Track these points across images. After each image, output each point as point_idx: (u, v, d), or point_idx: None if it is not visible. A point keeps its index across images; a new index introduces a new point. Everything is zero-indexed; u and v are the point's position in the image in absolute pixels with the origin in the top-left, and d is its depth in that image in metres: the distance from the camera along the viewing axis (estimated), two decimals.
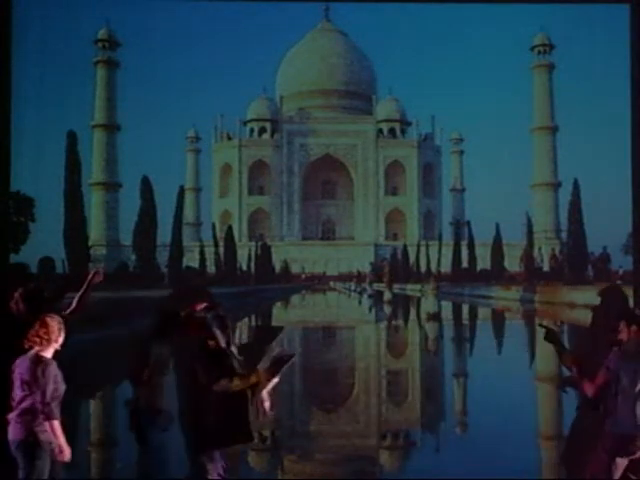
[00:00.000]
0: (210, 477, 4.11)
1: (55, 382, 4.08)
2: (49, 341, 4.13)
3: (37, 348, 4.11)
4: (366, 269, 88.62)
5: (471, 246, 72.03)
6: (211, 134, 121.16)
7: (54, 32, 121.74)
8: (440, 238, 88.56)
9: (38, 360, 4.08)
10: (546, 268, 66.79)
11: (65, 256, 38.23)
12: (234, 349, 4.18)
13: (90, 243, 42.93)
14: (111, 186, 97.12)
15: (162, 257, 50.15)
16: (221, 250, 65.80)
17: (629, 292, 6.66)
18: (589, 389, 4.39)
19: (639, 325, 4.37)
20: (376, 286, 61.27)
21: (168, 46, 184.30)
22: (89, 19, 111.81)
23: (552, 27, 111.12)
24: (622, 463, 4.31)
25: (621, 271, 48.73)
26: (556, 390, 11.88)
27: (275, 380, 4.20)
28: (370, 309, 38.24)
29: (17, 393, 4.07)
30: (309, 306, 45.30)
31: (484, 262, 72.77)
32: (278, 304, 44.57)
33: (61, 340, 4.20)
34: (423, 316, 28.33)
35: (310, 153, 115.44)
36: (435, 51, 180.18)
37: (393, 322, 29.25)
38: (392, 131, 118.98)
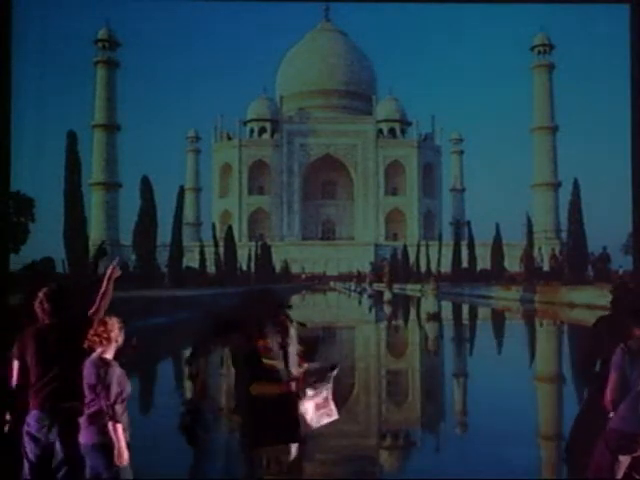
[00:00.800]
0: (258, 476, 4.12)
1: (119, 383, 4.06)
2: (109, 341, 4.11)
3: (99, 350, 4.10)
4: (366, 269, 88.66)
5: (471, 246, 72.03)
6: (211, 134, 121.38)
7: (54, 32, 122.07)
8: (440, 238, 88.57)
9: (100, 362, 4.06)
10: (546, 268, 66.78)
11: (65, 256, 38.23)
12: (292, 352, 4.14)
13: (90, 243, 42.93)
14: (111, 186, 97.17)
15: (162, 257, 50.15)
16: (221, 250, 65.80)
17: None
18: (607, 394, 4.38)
19: None
20: (376, 286, 61.28)
21: (168, 46, 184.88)
22: (89, 19, 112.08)
23: (552, 27, 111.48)
24: (625, 461, 4.31)
25: (621, 271, 48.77)
26: (556, 390, 11.88)
27: (323, 393, 4.13)
28: (370, 309, 38.23)
29: (86, 397, 4.09)
30: (309, 306, 45.26)
31: (484, 262, 72.79)
32: None
33: (121, 340, 4.19)
34: (423, 316, 28.32)
35: (310, 153, 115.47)
36: (435, 51, 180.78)
37: (393, 322, 29.23)
38: (392, 131, 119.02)
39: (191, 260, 61.48)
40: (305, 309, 42.07)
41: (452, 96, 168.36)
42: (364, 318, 31.71)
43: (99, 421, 4.04)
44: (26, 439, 4.37)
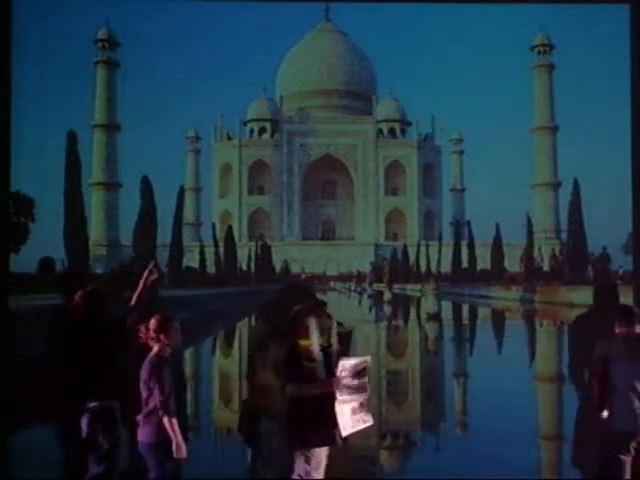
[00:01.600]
0: (292, 476, 4.11)
1: (168, 380, 4.17)
2: (165, 340, 4.23)
3: (155, 348, 4.21)
4: (366, 269, 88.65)
5: (471, 246, 72.02)
6: (211, 134, 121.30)
7: (54, 32, 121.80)
8: (440, 238, 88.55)
9: (156, 360, 4.18)
10: (546, 268, 66.77)
11: (65, 256, 38.22)
12: (334, 351, 4.13)
13: (91, 243, 42.97)
14: (111, 186, 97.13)
15: (162, 257, 50.14)
16: (221, 250, 65.78)
17: (629, 292, 6.65)
18: (594, 394, 4.39)
19: (626, 323, 4.39)
20: (376, 286, 61.27)
21: (168, 46, 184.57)
22: (89, 19, 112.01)
23: (552, 27, 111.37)
24: (628, 460, 4.31)
25: (621, 271, 48.74)
26: (556, 390, 11.88)
27: (360, 397, 4.09)
28: (370, 309, 38.24)
29: (143, 395, 4.17)
30: None
31: (484, 262, 72.77)
32: None
33: (177, 339, 4.30)
34: (423, 316, 28.33)
35: (310, 153, 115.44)
36: (435, 51, 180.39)
37: (393, 322, 29.24)
38: (392, 131, 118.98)
39: (191, 260, 61.45)
40: None
41: (452, 96, 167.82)
42: (364, 318, 31.70)
43: (155, 418, 4.12)
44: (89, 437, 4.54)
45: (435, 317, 26.84)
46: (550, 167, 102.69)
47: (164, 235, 49.49)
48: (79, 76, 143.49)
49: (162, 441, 4.11)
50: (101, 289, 4.86)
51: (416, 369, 14.89)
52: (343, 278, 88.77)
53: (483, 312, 36.11)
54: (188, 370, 13.81)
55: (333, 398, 4.02)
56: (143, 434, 4.17)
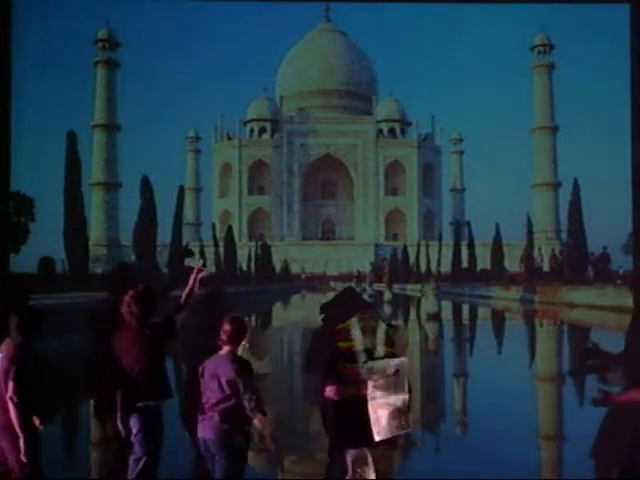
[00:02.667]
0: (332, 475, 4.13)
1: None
2: (240, 339, 4.29)
3: (230, 347, 4.27)
4: (366, 269, 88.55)
5: (471, 246, 71.97)
6: (211, 134, 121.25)
7: (54, 32, 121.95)
8: (440, 238, 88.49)
9: (237, 358, 4.26)
10: (546, 268, 66.73)
11: (65, 256, 38.21)
12: (380, 353, 4.12)
13: (91, 243, 42.96)
14: (111, 186, 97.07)
15: (162, 257, 50.12)
16: (221, 250, 65.78)
17: (629, 292, 6.65)
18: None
19: None
20: (376, 286, 61.23)
21: (168, 46, 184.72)
22: (89, 19, 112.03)
23: (552, 27, 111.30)
24: None
25: (621, 271, 48.75)
26: (556, 390, 11.88)
27: (399, 402, 4.06)
28: None
29: (216, 394, 4.21)
30: (309, 306, 45.23)
31: (484, 262, 72.73)
32: (278, 304, 44.53)
33: (249, 338, 4.38)
34: (423, 316, 28.32)
35: (310, 153, 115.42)
36: (435, 51, 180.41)
37: (393, 322, 29.19)
38: (392, 131, 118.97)
39: (191, 260, 61.41)
40: (305, 309, 42.05)
41: (452, 96, 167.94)
42: None
43: (230, 417, 4.16)
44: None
45: (435, 317, 26.84)
46: (550, 167, 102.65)
47: (164, 235, 49.51)
48: (79, 76, 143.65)
49: (234, 439, 4.19)
50: (152, 288, 4.85)
51: (416, 369, 14.89)
52: (343, 278, 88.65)
53: (483, 312, 36.09)
54: None
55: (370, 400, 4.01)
56: (213, 431, 4.21)
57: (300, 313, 36.77)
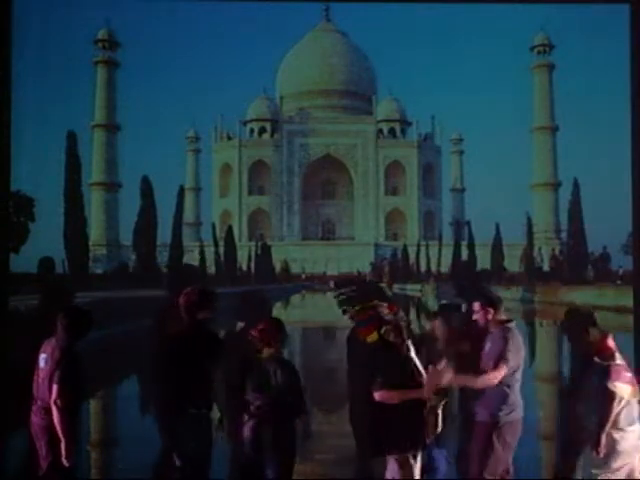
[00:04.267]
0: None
1: None
2: (275, 341, 4.36)
3: (269, 350, 4.33)
4: (366, 269, 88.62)
5: (471, 246, 72.01)
6: (211, 134, 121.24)
7: (54, 32, 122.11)
8: (440, 238, 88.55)
9: (285, 360, 4.42)
10: (546, 268, 66.78)
11: (65, 256, 38.23)
12: (413, 356, 4.14)
13: (91, 243, 42.97)
14: (111, 186, 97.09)
15: (162, 257, 50.14)
16: (221, 250, 65.80)
17: (629, 292, 6.64)
18: None
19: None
20: None
21: (168, 46, 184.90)
22: (89, 19, 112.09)
23: (552, 27, 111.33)
24: None
25: (621, 271, 48.73)
26: (556, 390, 11.87)
27: (443, 401, 4.12)
28: None
29: (260, 396, 4.24)
30: (309, 306, 45.24)
31: (484, 262, 72.75)
32: (278, 304, 44.50)
33: (284, 340, 4.46)
34: (423, 316, 28.29)
35: (310, 153, 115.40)
36: (435, 51, 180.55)
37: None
38: (392, 131, 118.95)
39: (191, 260, 61.44)
40: (305, 309, 42.07)
41: (452, 96, 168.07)
42: None
43: (282, 416, 4.25)
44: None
45: (435, 317, 26.79)
46: (550, 167, 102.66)
47: (164, 235, 49.56)
48: (79, 76, 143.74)
49: (259, 437, 4.24)
50: (210, 289, 4.68)
51: None
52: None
53: None
54: None
55: (422, 405, 4.01)
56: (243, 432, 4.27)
57: (300, 313, 36.77)
